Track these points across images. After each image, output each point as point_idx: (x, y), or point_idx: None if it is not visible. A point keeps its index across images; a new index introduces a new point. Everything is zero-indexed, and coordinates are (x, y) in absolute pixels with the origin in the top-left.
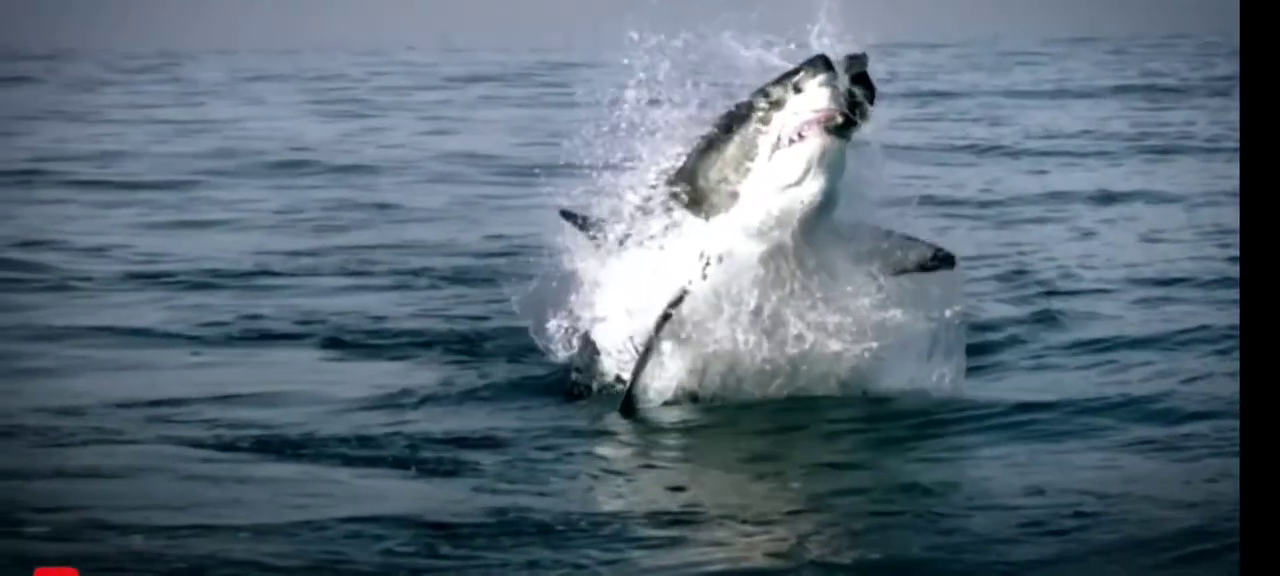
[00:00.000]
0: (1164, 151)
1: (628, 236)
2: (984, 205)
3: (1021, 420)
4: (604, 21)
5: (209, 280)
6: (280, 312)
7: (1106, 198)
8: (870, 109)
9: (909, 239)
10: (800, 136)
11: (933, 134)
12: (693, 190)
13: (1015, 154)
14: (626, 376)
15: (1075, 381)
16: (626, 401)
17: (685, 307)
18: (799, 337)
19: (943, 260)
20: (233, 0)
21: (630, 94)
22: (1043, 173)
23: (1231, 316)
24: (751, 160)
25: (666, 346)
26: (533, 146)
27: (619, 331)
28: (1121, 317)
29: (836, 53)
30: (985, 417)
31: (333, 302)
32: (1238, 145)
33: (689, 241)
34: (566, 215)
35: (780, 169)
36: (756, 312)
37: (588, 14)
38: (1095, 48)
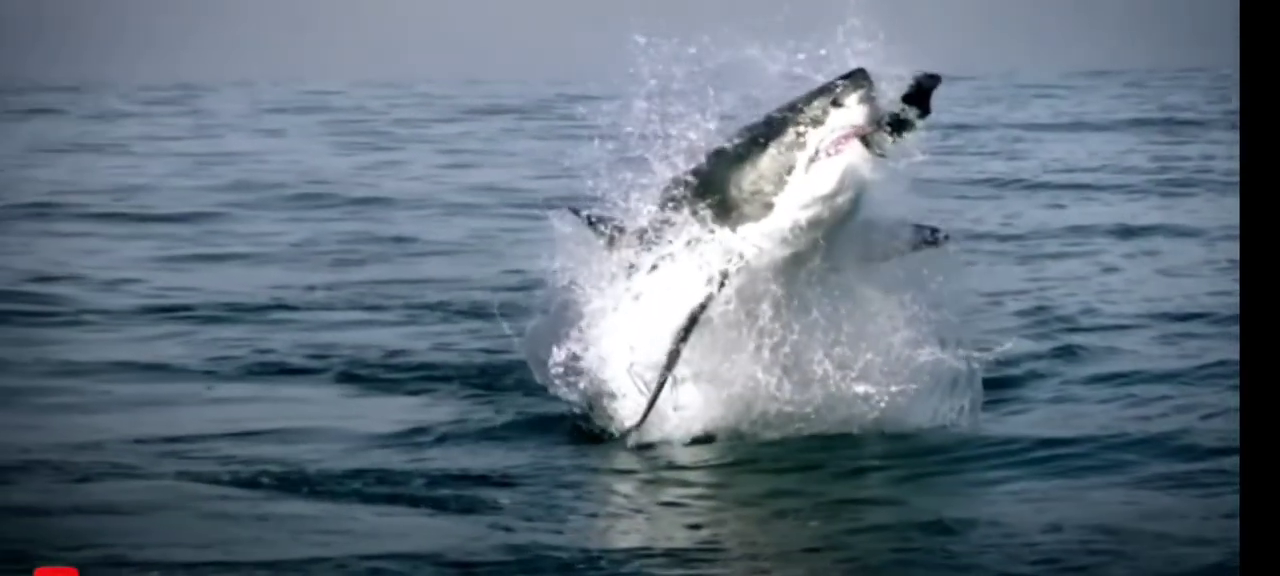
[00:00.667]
0: (1183, 185)
1: (639, 255)
2: (1004, 239)
3: (1040, 455)
4: (620, 49)
5: (226, 314)
6: (297, 347)
7: (1126, 232)
8: (913, 128)
9: (899, 223)
10: (837, 150)
11: (953, 167)
12: (723, 199)
13: (1034, 187)
14: (628, 415)
15: (1094, 417)
16: (643, 418)
17: (705, 335)
18: (823, 378)
19: (935, 239)
20: (252, 33)
21: (640, 105)
22: (1061, 207)
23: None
24: (789, 173)
25: (688, 387)
26: (550, 180)
27: (621, 367)
28: (1141, 353)
29: (910, 69)
30: (1004, 453)
31: (349, 336)
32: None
33: (711, 253)
34: (572, 211)
35: (816, 181)
36: (777, 348)
37: (605, 44)
38: (1113, 81)
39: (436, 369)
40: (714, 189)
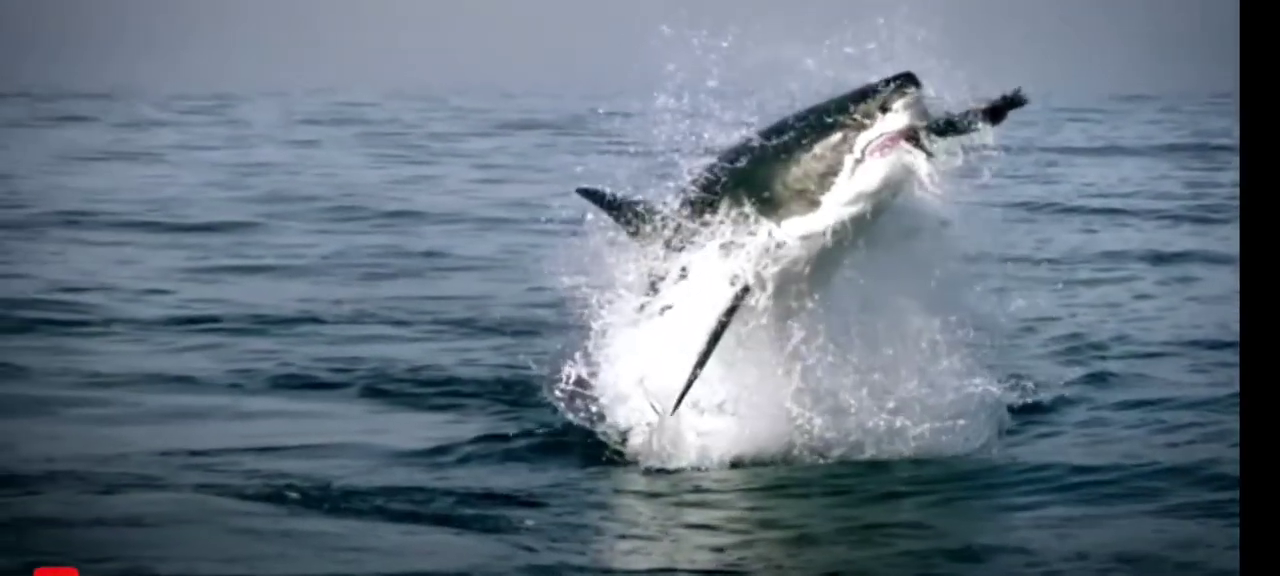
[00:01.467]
0: (1216, 211)
1: (667, 257)
2: (1037, 264)
3: (1069, 482)
4: (649, 50)
5: (254, 326)
6: (323, 361)
7: (1158, 258)
8: (963, 132)
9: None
10: (884, 152)
11: (989, 190)
12: (768, 194)
13: (1068, 211)
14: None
15: (1124, 444)
16: (675, 406)
17: (734, 360)
18: (857, 410)
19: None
20: (288, 43)
21: (666, 102)
22: (1094, 232)
23: None
24: (835, 174)
25: (712, 415)
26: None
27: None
28: (1172, 380)
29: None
30: (1033, 480)
31: (376, 351)
32: None
33: (754, 246)
34: (587, 194)
35: (862, 181)
36: (808, 374)
37: (636, 50)
38: (1147, 105)
39: (463, 385)
40: (757, 183)
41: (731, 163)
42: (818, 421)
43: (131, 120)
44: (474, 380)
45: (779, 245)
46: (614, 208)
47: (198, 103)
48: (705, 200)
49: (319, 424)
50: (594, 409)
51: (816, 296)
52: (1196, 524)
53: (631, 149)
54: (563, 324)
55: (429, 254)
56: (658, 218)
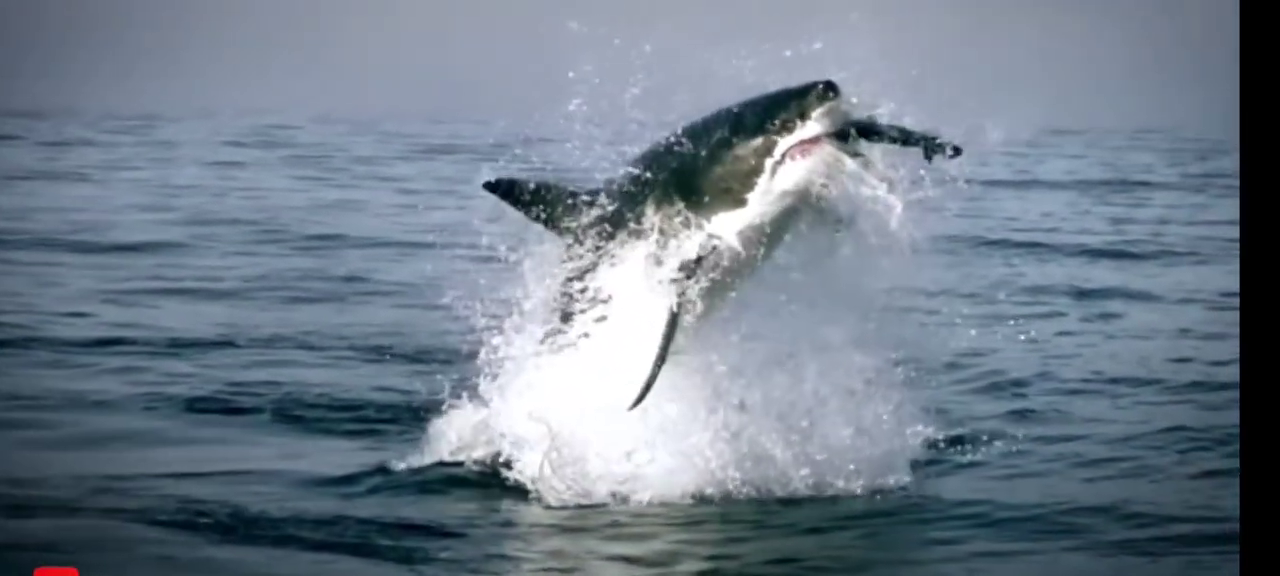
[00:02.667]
0: (1136, 245)
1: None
2: (960, 298)
3: (989, 519)
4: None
5: (173, 349)
6: (240, 386)
7: (1081, 293)
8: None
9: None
10: (803, 154)
11: (911, 224)
12: (696, 194)
13: (991, 244)
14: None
15: (1045, 481)
16: (638, 399)
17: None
18: (783, 447)
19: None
20: (214, 64)
21: (576, 107)
22: (1016, 266)
23: (1207, 418)
24: (758, 174)
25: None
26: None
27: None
28: (1093, 417)
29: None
30: (950, 516)
31: (295, 376)
32: (1213, 242)
33: (688, 243)
34: (493, 187)
35: (782, 181)
36: (730, 417)
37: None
38: (1073, 140)
39: (379, 412)
40: (684, 181)
41: (655, 163)
42: (735, 474)
43: (59, 139)
44: (390, 407)
45: (712, 239)
46: (528, 200)
47: (126, 122)
48: (631, 200)
49: (234, 449)
50: (494, 449)
51: (740, 331)
52: (1114, 560)
53: (550, 169)
54: (472, 353)
55: (350, 278)
56: (582, 201)
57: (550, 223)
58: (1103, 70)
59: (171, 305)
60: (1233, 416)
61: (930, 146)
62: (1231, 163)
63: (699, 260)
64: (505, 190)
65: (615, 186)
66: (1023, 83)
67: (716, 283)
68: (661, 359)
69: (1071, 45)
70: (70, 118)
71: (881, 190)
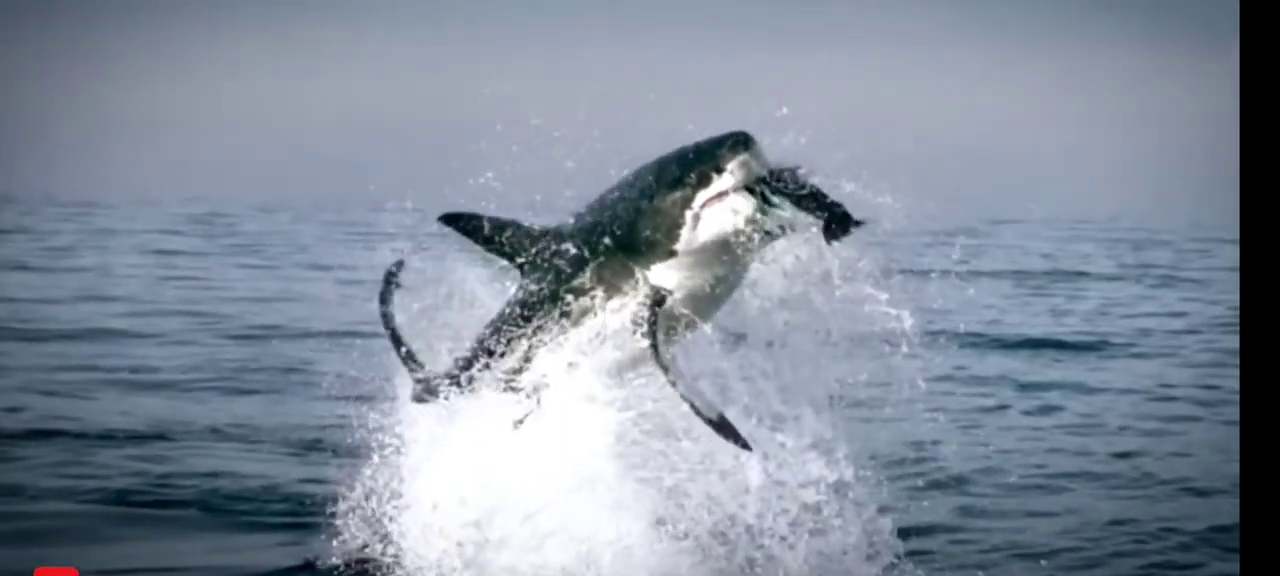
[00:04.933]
0: (1078, 337)
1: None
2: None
3: None
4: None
5: (106, 441)
6: (174, 478)
7: (1022, 387)
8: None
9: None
10: (719, 204)
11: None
12: (630, 246)
13: (933, 335)
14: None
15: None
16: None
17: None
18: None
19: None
20: (154, 150)
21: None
22: (958, 358)
23: (1153, 510)
24: (680, 227)
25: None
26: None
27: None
28: (1032, 510)
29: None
30: None
31: (230, 467)
32: (1152, 335)
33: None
34: (453, 220)
35: (703, 232)
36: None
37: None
38: (1011, 229)
39: (312, 505)
40: (618, 235)
41: (594, 217)
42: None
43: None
44: (324, 500)
45: (656, 291)
46: (487, 233)
47: (67, 210)
48: (577, 247)
49: (163, 545)
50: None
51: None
52: None
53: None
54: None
55: (287, 370)
56: (545, 241)
57: (506, 254)
58: (1041, 160)
59: (108, 396)
60: (1174, 509)
61: (834, 218)
62: (1167, 254)
63: (654, 306)
64: (462, 223)
65: (567, 229)
66: (968, 170)
67: (684, 319)
68: (675, 383)
69: (1013, 135)
70: (7, 204)
71: (800, 236)
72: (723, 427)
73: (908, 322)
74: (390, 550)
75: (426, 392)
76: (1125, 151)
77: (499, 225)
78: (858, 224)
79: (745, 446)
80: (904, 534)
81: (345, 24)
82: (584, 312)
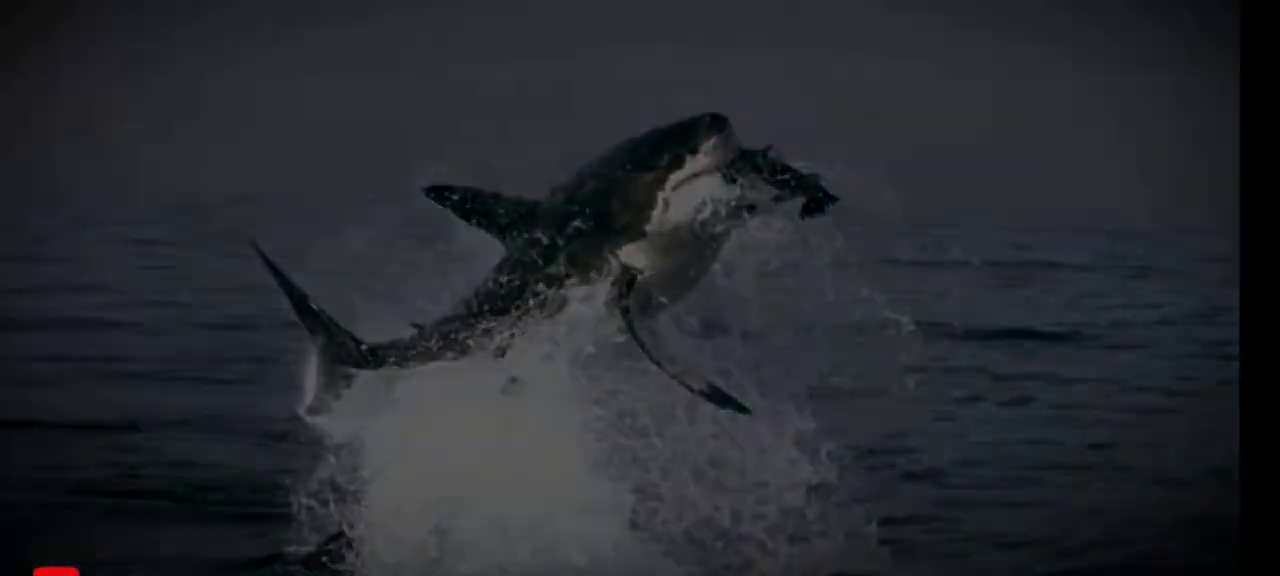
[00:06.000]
0: (1052, 328)
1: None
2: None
3: None
4: None
5: (78, 433)
6: (146, 468)
7: (995, 378)
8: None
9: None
10: (692, 182)
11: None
12: (604, 228)
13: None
14: None
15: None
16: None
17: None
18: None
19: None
20: (131, 139)
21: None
22: (933, 348)
23: (1126, 499)
24: (651, 207)
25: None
26: None
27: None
28: (1007, 507)
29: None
30: None
31: (204, 457)
32: (1128, 327)
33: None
34: (436, 192)
35: (674, 213)
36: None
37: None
38: (984, 220)
39: (284, 496)
40: (589, 215)
41: (568, 196)
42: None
43: None
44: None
45: (627, 270)
46: (468, 206)
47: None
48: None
49: (132, 538)
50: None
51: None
52: None
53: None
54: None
55: (260, 360)
56: (519, 210)
57: (489, 226)
58: (1018, 152)
59: (80, 386)
60: (1149, 500)
61: (810, 196)
62: (1141, 246)
63: (627, 287)
64: (445, 195)
65: (544, 205)
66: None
67: (655, 297)
68: (658, 361)
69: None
70: None
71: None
72: (714, 395)
73: (908, 327)
74: (356, 541)
75: (320, 407)
76: (1105, 143)
77: (480, 197)
78: (833, 200)
79: (743, 409)
80: (881, 524)
81: (334, 24)
82: (561, 306)
